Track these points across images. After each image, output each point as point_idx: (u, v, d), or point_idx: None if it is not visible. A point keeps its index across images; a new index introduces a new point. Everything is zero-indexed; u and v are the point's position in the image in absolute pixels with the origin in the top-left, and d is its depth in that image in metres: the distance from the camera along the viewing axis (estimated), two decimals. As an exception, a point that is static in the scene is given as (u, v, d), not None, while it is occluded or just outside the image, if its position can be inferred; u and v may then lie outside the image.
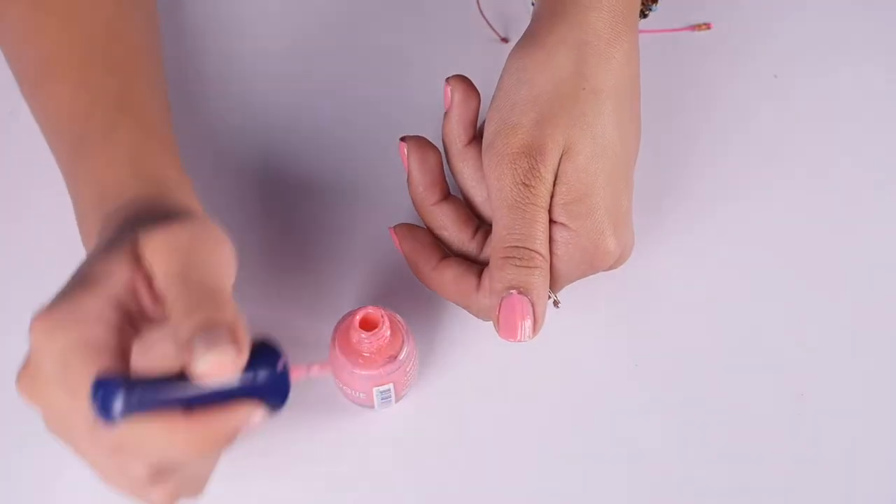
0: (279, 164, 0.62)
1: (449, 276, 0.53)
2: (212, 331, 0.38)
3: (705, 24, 0.67)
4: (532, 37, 0.52)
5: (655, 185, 0.61)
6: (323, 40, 0.66)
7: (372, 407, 0.54)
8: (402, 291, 0.58)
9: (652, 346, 0.57)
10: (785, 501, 0.54)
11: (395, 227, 0.55)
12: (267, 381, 0.41)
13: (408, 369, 0.53)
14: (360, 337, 0.50)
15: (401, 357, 0.51)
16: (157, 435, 0.39)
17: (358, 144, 0.62)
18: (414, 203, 0.55)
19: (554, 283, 0.52)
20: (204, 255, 0.41)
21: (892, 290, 0.59)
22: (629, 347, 0.57)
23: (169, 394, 0.39)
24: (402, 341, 0.52)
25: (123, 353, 0.41)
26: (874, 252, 0.60)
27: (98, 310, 0.41)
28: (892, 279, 0.59)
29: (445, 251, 0.54)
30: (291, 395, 0.55)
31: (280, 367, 0.41)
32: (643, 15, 0.59)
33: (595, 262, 0.51)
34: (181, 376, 0.39)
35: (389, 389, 0.53)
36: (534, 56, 0.51)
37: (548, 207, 0.50)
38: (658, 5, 0.60)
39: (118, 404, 0.38)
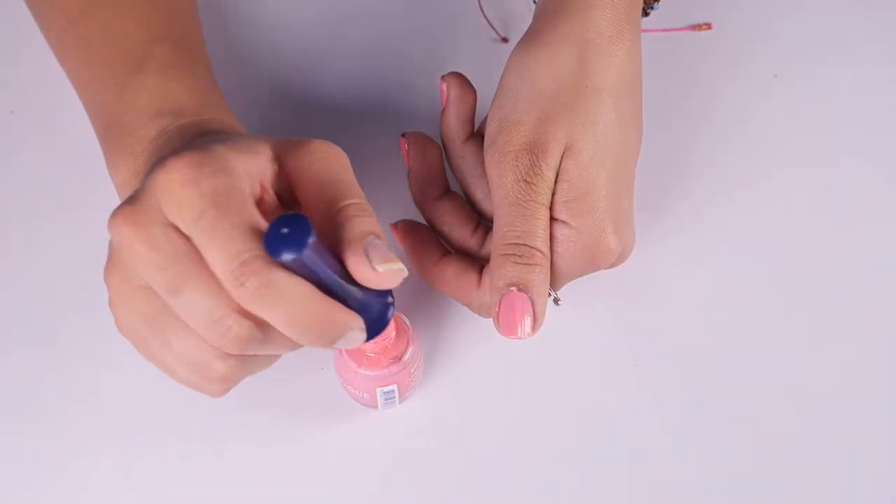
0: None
1: (450, 273, 0.53)
2: (382, 245, 0.40)
3: (706, 23, 0.67)
4: (535, 34, 0.52)
5: (655, 185, 0.61)
6: (323, 39, 0.66)
7: (375, 407, 0.54)
8: (407, 292, 0.58)
9: (652, 345, 0.57)
10: (785, 501, 0.54)
11: (396, 223, 0.55)
12: (380, 307, 0.42)
13: (412, 370, 0.53)
14: (364, 337, 0.50)
15: (405, 358, 0.51)
16: (297, 295, 0.38)
17: (358, 143, 0.62)
18: (414, 198, 0.55)
19: (554, 281, 0.52)
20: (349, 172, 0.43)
21: (893, 290, 0.59)
22: (629, 345, 0.57)
23: (326, 267, 0.39)
24: (407, 342, 0.51)
25: None
26: (874, 252, 0.60)
27: (245, 170, 0.40)
28: (892, 279, 0.60)
29: (447, 248, 0.54)
30: (292, 394, 0.55)
31: (391, 298, 0.42)
32: (645, 13, 0.59)
33: (596, 260, 0.51)
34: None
35: (393, 390, 0.53)
36: (536, 54, 0.51)
37: (549, 205, 0.50)
38: (660, 4, 0.60)
39: (311, 239, 0.37)
